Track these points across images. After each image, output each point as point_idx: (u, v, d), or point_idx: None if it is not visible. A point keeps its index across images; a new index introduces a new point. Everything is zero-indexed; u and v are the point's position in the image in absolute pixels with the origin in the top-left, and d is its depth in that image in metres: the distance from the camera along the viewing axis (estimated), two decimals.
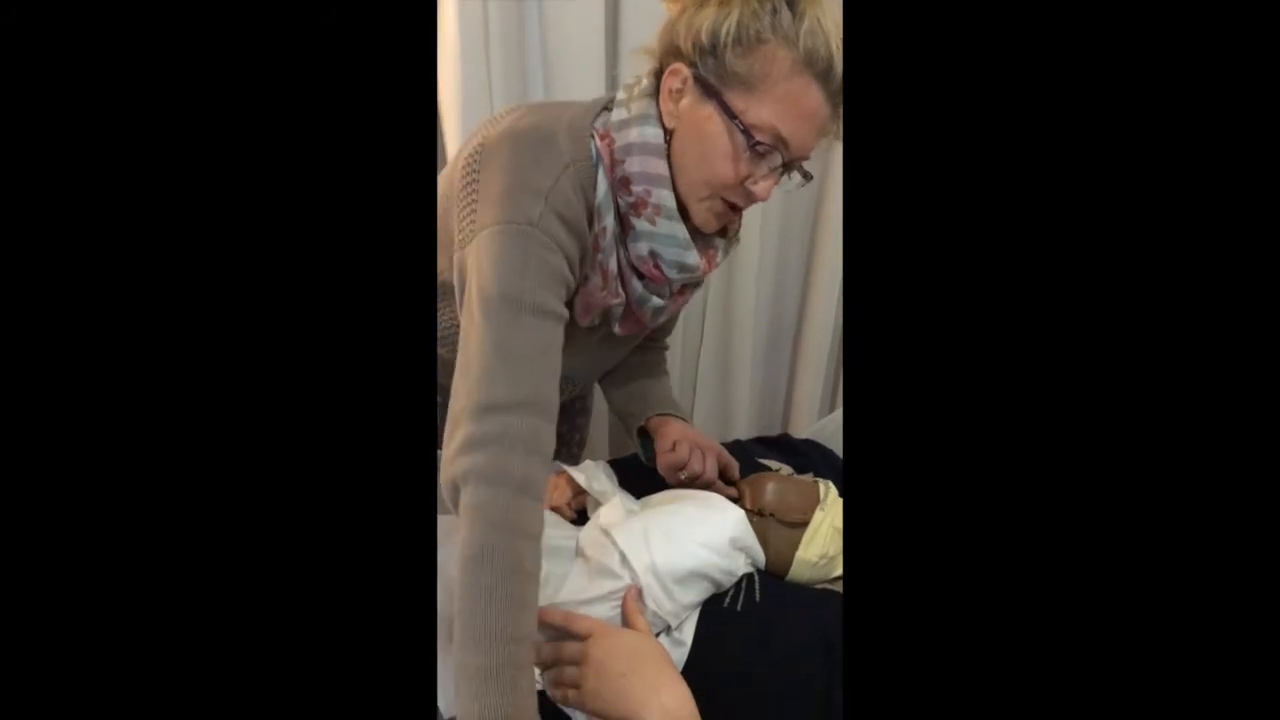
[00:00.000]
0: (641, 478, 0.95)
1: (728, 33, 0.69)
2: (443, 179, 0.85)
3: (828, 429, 1.20)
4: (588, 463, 0.94)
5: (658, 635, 0.76)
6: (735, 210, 0.78)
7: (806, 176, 0.78)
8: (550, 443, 0.71)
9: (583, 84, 1.18)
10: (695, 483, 0.91)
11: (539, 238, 0.71)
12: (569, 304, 0.78)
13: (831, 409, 1.59)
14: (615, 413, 1.08)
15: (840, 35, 0.69)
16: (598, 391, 1.15)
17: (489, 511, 0.65)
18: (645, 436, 1.00)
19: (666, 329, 1.11)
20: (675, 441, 0.92)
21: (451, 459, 0.67)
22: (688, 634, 0.76)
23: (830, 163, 1.37)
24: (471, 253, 0.73)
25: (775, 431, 1.58)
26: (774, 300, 1.51)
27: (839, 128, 0.74)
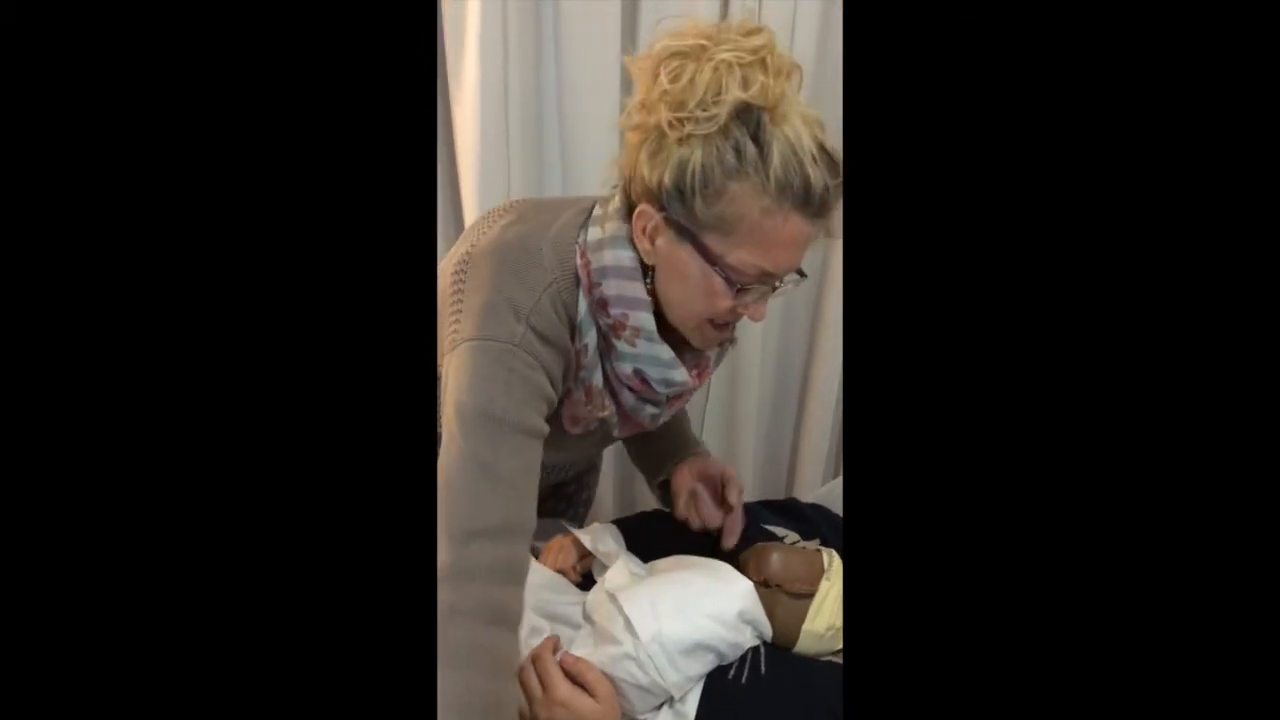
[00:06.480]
0: (649, 540, 0.95)
1: (692, 179, 0.66)
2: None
3: (834, 493, 1.19)
4: (595, 525, 0.94)
5: (660, 707, 0.76)
6: (730, 326, 0.77)
7: (801, 275, 0.75)
8: (526, 565, 0.72)
9: (597, 147, 1.21)
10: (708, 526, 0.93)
11: (522, 356, 0.70)
12: (556, 415, 0.78)
13: (838, 468, 1.58)
14: (635, 464, 1.09)
15: (812, 140, 0.66)
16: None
17: (473, 654, 0.64)
18: (666, 488, 1.00)
19: None
20: (691, 491, 0.94)
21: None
22: (691, 707, 0.74)
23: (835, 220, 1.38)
24: (451, 363, 0.72)
25: (780, 489, 1.57)
26: (780, 356, 1.51)
27: (836, 219, 0.70)
